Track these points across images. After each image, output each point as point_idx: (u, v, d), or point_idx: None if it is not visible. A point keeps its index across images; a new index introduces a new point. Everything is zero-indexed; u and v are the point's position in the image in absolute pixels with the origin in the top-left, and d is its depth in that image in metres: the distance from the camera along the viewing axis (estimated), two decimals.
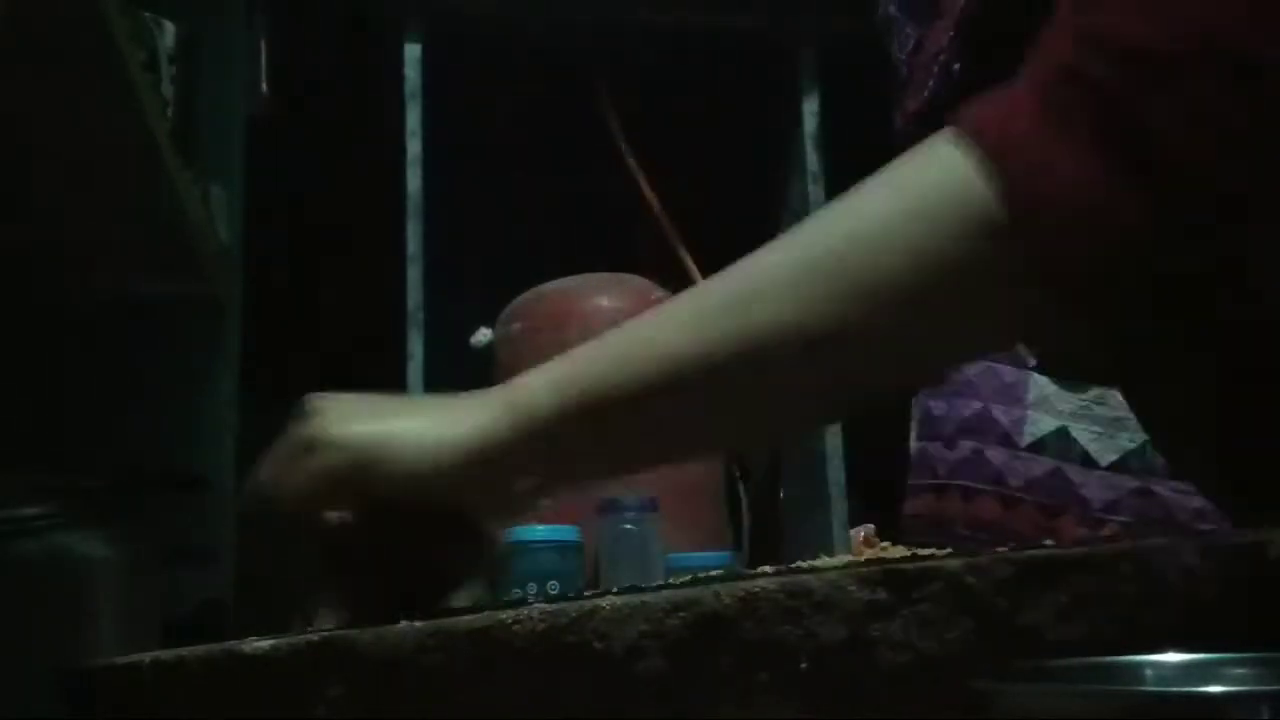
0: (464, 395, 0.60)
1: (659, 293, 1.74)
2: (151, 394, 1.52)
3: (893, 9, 0.97)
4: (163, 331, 1.54)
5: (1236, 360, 0.60)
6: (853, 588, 0.45)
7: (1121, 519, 1.05)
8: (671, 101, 1.96)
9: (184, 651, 0.48)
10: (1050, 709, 0.34)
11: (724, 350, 0.56)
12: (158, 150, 1.13)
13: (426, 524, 0.57)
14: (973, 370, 1.20)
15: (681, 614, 0.45)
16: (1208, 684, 0.36)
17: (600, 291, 1.74)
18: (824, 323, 0.55)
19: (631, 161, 1.82)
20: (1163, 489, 1.06)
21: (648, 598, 0.46)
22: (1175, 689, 0.36)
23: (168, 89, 1.28)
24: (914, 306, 0.55)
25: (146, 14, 1.26)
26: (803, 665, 0.44)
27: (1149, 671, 0.37)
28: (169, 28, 1.30)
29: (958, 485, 1.15)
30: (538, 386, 0.57)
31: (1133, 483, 1.07)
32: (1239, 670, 0.36)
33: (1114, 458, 1.08)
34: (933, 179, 0.55)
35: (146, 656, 0.49)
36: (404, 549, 0.58)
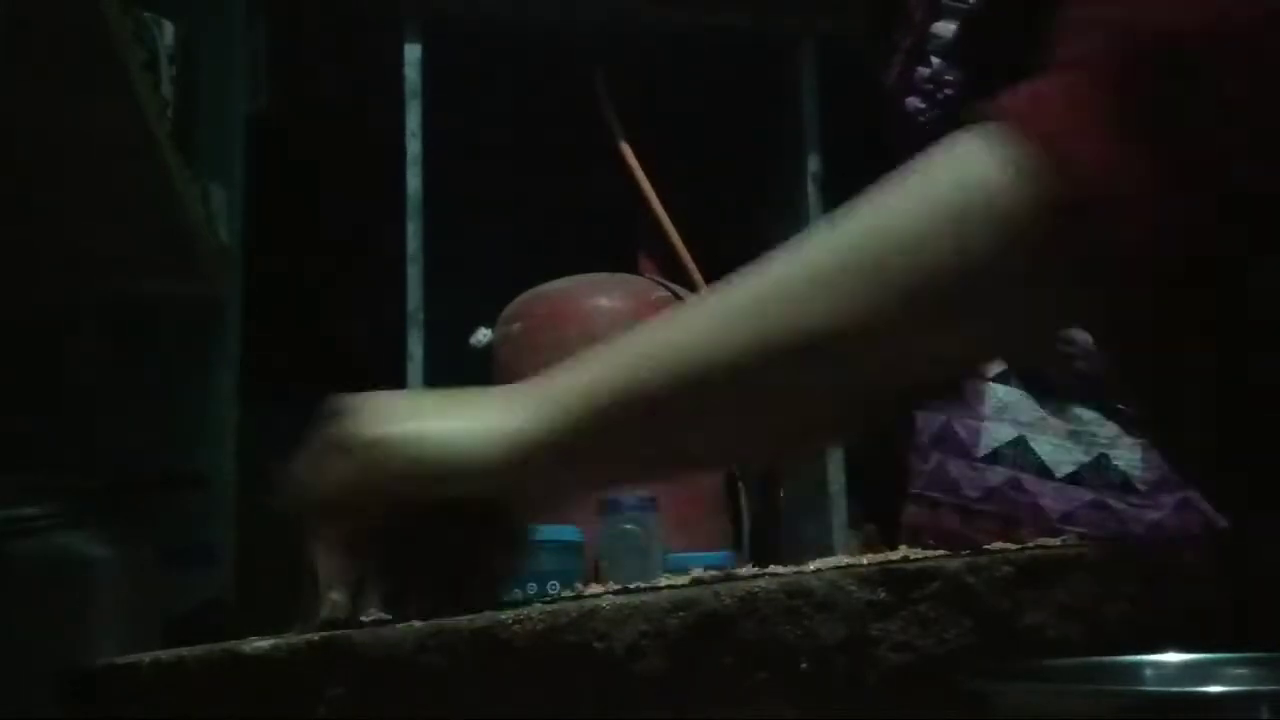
0: (490, 392, 0.60)
1: (659, 293, 1.74)
2: (151, 394, 1.52)
3: (872, 20, 0.97)
4: (163, 331, 1.54)
5: (1241, 364, 0.60)
6: (853, 588, 0.45)
7: (1077, 531, 1.05)
8: (671, 100, 1.96)
9: (184, 651, 0.48)
10: (1050, 709, 0.34)
11: (749, 352, 0.55)
12: (158, 150, 1.13)
13: (467, 523, 0.58)
14: None
15: (681, 614, 0.45)
16: (1207, 684, 0.36)
17: (600, 291, 1.74)
18: (855, 322, 0.54)
19: (631, 160, 1.82)
20: (1117, 502, 1.06)
21: (648, 598, 0.46)
22: (1175, 689, 0.36)
23: (168, 89, 1.28)
24: (948, 305, 0.54)
25: (146, 14, 1.26)
26: (803, 665, 0.44)
27: (1149, 671, 0.37)
28: (169, 28, 1.30)
29: (927, 496, 1.15)
30: (564, 390, 0.57)
31: (1087, 495, 1.07)
32: (1239, 670, 0.36)
33: (1070, 469, 1.08)
34: (968, 176, 0.54)
35: (146, 656, 0.48)
36: (446, 548, 0.58)
